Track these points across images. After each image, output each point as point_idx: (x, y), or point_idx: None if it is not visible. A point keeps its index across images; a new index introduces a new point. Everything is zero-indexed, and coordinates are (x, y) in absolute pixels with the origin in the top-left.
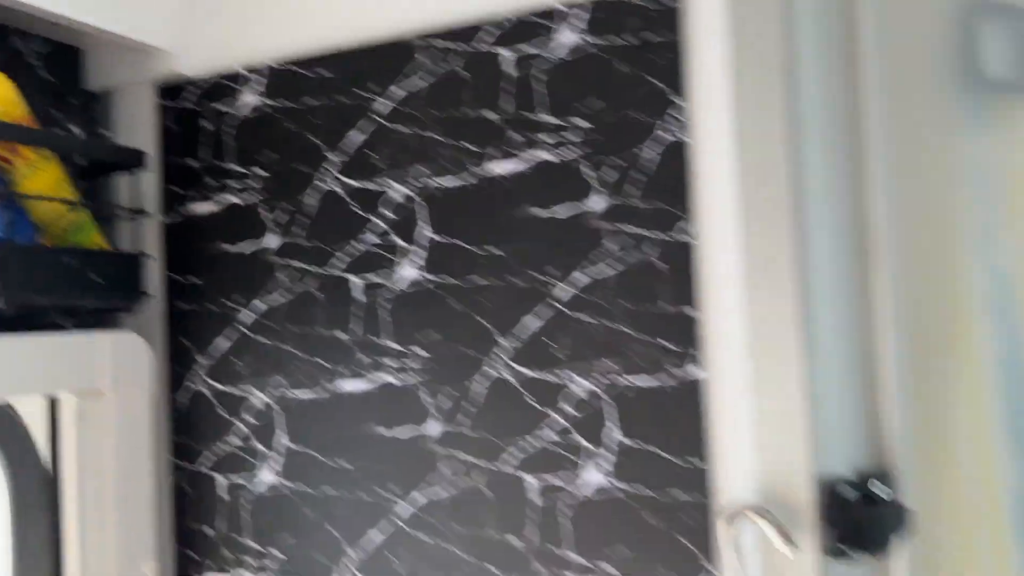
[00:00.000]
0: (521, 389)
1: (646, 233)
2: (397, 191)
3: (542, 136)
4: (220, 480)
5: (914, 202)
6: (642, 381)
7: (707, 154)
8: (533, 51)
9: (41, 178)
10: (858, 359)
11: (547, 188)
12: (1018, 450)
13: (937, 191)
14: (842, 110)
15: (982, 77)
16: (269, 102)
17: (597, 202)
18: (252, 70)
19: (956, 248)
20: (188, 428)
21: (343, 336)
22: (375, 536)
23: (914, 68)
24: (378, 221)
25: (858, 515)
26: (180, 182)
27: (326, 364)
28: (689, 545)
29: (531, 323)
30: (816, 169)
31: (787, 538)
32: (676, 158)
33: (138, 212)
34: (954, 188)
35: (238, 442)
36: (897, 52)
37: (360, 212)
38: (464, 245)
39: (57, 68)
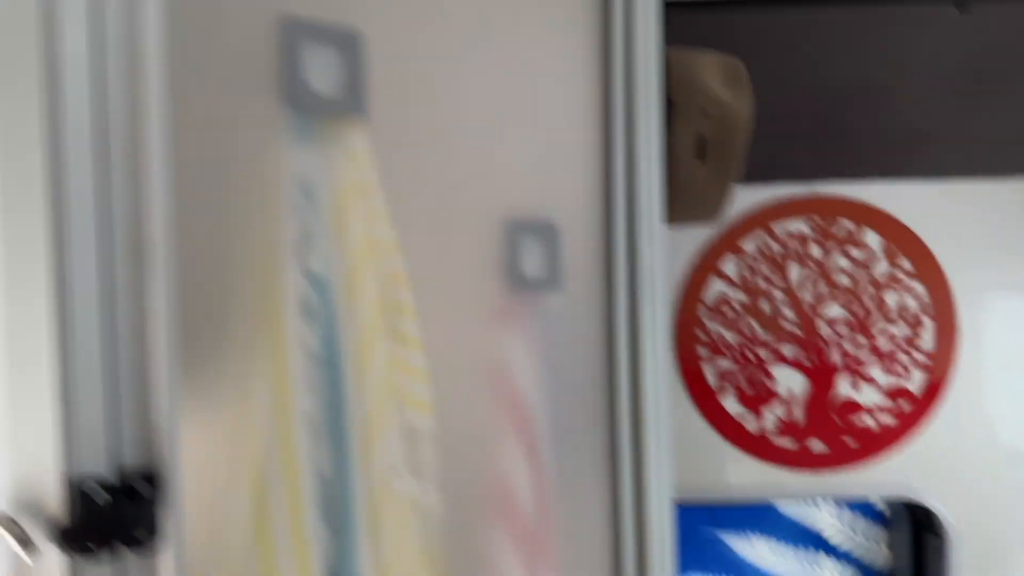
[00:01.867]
0: None
1: None
2: None
3: None
4: None
5: (211, 210)
6: None
7: None
8: None
9: None
10: (130, 362)
11: None
12: (323, 438)
13: (250, 200)
14: (122, 114)
15: (307, 93)
16: None
17: None
18: None
19: (270, 254)
20: None
21: None
22: None
23: (229, 81)
24: None
25: (109, 514)
26: None
27: None
28: None
29: None
30: (83, 174)
31: (27, 544)
32: None
33: None
34: (271, 197)
35: None
36: (208, 64)
37: None
38: None
39: None
